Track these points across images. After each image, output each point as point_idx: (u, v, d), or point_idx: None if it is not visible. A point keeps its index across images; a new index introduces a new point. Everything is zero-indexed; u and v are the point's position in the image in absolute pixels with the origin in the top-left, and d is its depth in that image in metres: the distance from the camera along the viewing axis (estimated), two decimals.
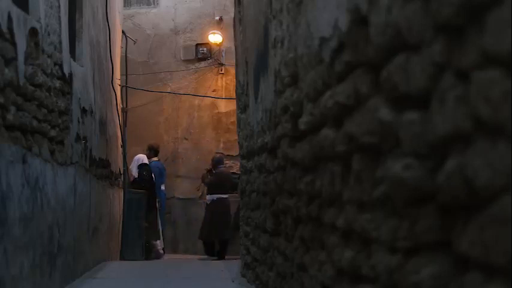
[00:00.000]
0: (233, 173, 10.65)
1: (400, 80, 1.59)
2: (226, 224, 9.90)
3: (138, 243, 9.72)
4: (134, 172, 10.16)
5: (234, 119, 9.51)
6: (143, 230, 9.89)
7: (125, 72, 11.54)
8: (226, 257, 9.68)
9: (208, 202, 10.12)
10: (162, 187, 10.54)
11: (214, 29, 12.06)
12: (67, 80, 5.43)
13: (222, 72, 12.13)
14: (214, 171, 10.26)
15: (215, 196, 10.00)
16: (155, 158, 10.69)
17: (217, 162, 10.34)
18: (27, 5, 4.39)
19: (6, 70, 3.68)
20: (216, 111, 12.09)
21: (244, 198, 5.47)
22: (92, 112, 6.88)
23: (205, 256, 10.07)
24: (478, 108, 1.19)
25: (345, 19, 2.09)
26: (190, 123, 12.16)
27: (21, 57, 4.00)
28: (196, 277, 6.63)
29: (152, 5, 12.51)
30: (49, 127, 4.69)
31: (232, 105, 10.48)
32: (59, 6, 5.18)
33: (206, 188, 10.33)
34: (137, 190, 10.17)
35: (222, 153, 11.75)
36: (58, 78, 5.06)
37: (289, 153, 3.13)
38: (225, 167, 10.51)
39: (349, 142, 2.04)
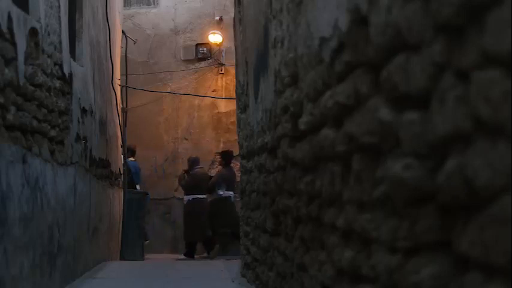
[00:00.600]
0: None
1: (400, 80, 1.59)
2: (206, 224, 10.13)
3: (138, 243, 9.73)
4: None
5: (234, 119, 9.50)
6: (143, 230, 9.92)
7: (125, 72, 11.53)
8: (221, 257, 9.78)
9: (185, 203, 10.32)
10: (137, 187, 10.65)
11: (214, 29, 12.06)
12: (67, 80, 5.43)
13: (222, 72, 12.14)
14: (190, 172, 10.48)
15: (191, 197, 10.23)
16: (132, 158, 10.86)
17: (193, 163, 10.54)
18: (27, 5, 4.39)
19: (6, 70, 3.68)
20: (216, 111, 12.10)
21: (244, 198, 5.47)
22: (92, 112, 6.88)
23: (183, 257, 10.19)
24: (478, 108, 1.19)
25: (345, 19, 2.09)
26: (190, 123, 12.16)
27: (21, 57, 4.00)
28: (196, 277, 6.63)
29: (152, 5, 12.51)
30: (49, 127, 4.69)
31: (232, 105, 10.49)
32: (59, 6, 5.18)
33: (183, 189, 10.57)
34: (137, 190, 10.19)
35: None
36: (58, 78, 5.06)
37: (289, 153, 3.13)
38: (201, 168, 10.70)
39: (349, 142, 2.04)
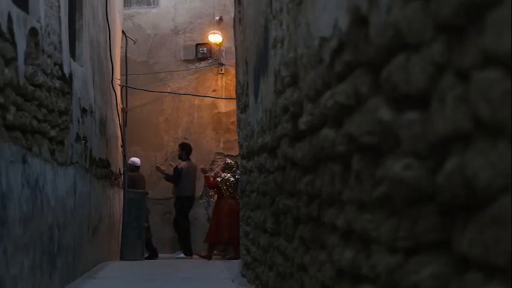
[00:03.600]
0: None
1: (400, 80, 1.59)
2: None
3: (138, 243, 9.73)
4: None
5: (234, 119, 9.51)
6: (143, 230, 9.91)
7: (125, 72, 11.53)
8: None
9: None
10: None
11: (214, 29, 12.06)
12: (67, 80, 5.43)
13: (222, 72, 12.13)
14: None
15: None
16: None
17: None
18: (27, 5, 4.39)
19: (6, 70, 3.68)
20: (216, 111, 12.09)
21: (244, 198, 5.47)
22: (92, 112, 6.88)
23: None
24: (478, 108, 1.19)
25: (345, 19, 2.09)
26: (190, 123, 12.15)
27: (21, 57, 4.00)
28: (196, 277, 6.63)
29: (152, 5, 12.51)
30: (49, 127, 4.69)
31: (232, 105, 10.49)
32: (59, 6, 5.18)
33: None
34: (138, 190, 10.19)
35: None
36: (58, 78, 5.06)
37: (289, 153, 3.13)
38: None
39: (349, 142, 2.04)
